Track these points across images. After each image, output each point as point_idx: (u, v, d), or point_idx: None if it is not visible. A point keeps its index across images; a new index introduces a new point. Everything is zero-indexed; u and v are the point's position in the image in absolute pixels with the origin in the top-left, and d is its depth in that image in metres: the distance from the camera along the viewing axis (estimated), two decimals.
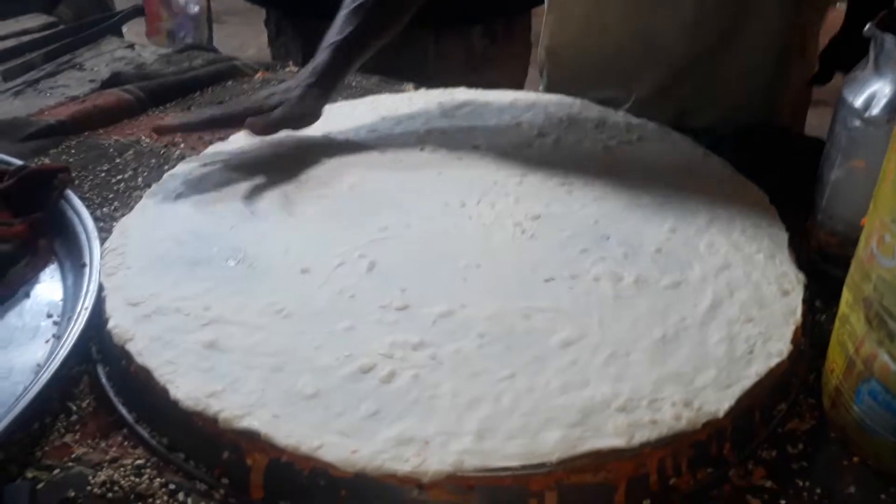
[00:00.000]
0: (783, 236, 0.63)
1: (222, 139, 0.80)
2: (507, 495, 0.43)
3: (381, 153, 0.75)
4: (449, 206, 0.66)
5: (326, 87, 0.75)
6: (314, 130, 0.77)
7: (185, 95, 0.95)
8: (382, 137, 0.78)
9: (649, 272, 0.58)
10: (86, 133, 0.85)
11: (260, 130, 0.72)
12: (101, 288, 0.57)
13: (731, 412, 0.47)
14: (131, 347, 0.51)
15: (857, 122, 0.59)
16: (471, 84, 0.89)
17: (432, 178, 0.71)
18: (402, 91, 0.93)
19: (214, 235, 0.62)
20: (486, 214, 0.65)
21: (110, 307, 0.55)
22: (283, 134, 0.75)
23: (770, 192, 0.69)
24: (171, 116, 0.87)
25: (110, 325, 0.53)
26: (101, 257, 0.60)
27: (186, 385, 0.48)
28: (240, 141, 0.77)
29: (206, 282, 0.57)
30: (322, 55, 0.75)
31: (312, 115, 0.75)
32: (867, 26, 0.58)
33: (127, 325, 0.53)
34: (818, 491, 0.46)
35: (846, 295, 0.50)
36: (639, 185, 0.69)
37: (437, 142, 0.76)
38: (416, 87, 0.94)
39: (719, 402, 0.47)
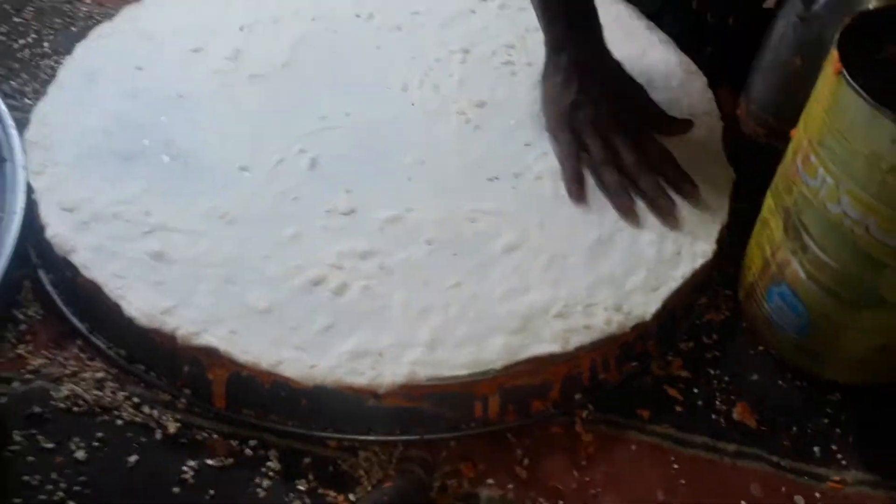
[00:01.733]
0: (718, 126, 0.64)
1: None
2: (455, 400, 0.47)
3: (313, 21, 0.70)
4: (390, 90, 0.64)
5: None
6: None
7: None
8: (314, 2, 0.72)
9: None
10: None
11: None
12: (30, 189, 0.54)
13: (658, 315, 0.51)
14: (75, 259, 0.50)
15: (800, 17, 0.59)
16: None
17: (371, 52, 0.68)
18: None
19: (144, 125, 0.59)
20: (429, 100, 0.64)
21: (44, 212, 0.53)
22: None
23: (709, 69, 0.69)
24: None
25: (49, 233, 0.52)
26: (25, 152, 0.56)
27: (139, 301, 0.48)
28: (158, 2, 0.71)
29: (141, 181, 0.56)
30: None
31: None
32: None
33: (66, 234, 0.51)
34: (726, 378, 0.53)
35: (769, 200, 0.54)
36: None
37: (374, 7, 0.72)
38: None
39: (646, 306, 0.51)
